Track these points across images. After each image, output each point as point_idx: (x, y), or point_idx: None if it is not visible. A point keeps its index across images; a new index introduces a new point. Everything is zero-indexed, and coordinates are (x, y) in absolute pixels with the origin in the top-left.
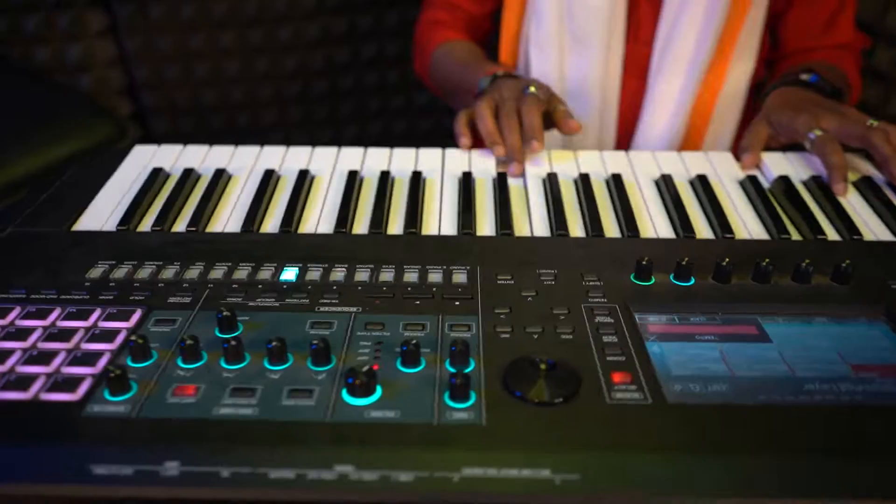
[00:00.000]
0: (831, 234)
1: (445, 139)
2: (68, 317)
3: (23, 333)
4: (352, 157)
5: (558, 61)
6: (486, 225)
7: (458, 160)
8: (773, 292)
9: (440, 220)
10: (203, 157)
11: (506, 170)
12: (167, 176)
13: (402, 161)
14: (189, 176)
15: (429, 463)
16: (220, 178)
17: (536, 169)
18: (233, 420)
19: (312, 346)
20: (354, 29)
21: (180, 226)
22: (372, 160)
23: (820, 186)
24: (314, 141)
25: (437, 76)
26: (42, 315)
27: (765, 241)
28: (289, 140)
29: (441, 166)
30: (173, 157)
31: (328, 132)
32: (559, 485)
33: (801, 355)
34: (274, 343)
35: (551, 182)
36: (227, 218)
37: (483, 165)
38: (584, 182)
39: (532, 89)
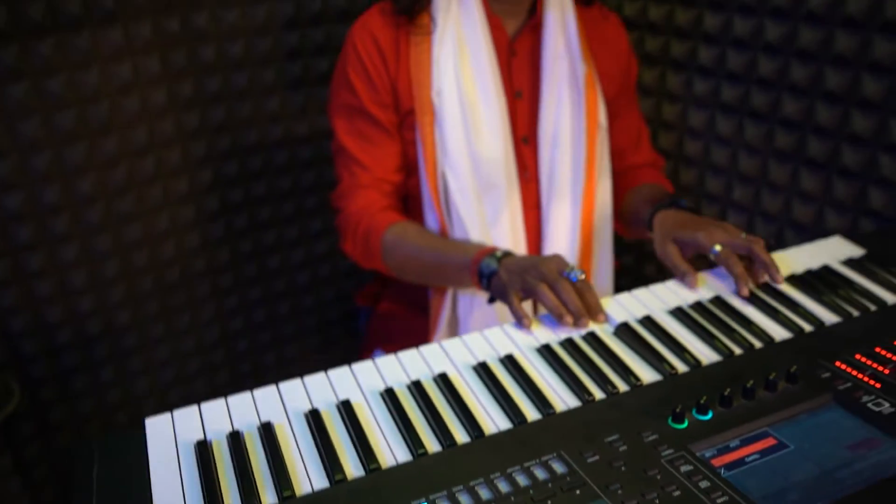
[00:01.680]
0: (757, 343)
1: None
2: None
3: None
4: (367, 373)
5: (477, 204)
6: (526, 408)
7: (460, 350)
8: (761, 406)
9: (489, 416)
10: (226, 414)
11: (573, 325)
12: (211, 445)
13: (412, 364)
14: (238, 440)
15: None
16: (270, 433)
17: (528, 340)
18: None
19: None
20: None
21: (269, 497)
22: (387, 370)
23: (718, 303)
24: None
25: (395, 258)
26: None
27: (719, 362)
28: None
29: (448, 361)
30: (196, 423)
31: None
32: None
33: (816, 451)
34: None
35: (549, 352)
36: (306, 473)
37: (465, 357)
38: (570, 344)
39: (578, 274)
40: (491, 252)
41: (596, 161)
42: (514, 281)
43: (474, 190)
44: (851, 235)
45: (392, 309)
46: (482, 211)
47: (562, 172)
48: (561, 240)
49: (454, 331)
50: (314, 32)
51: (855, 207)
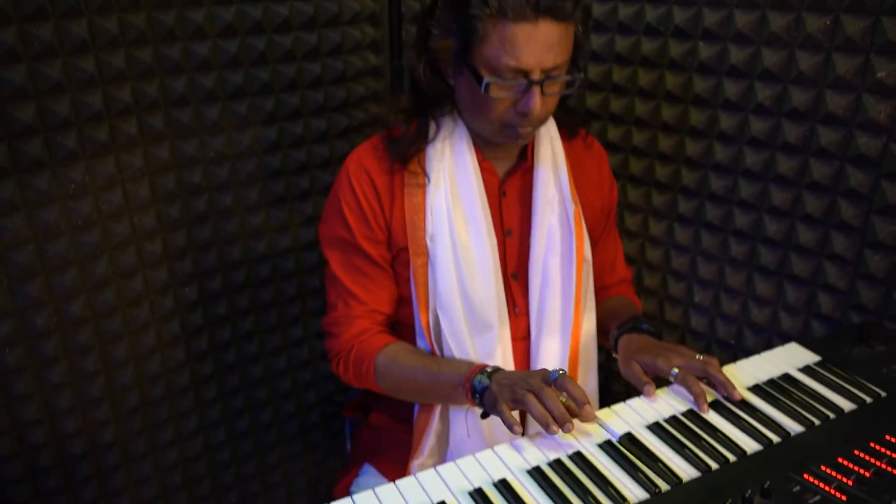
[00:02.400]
0: (731, 457)
1: None
2: None
3: None
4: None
5: (469, 341)
6: None
7: (456, 476)
8: None
9: None
10: None
11: (560, 432)
12: None
13: (410, 493)
14: None
15: None
16: None
17: (519, 461)
18: None
19: None
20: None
21: None
22: (387, 500)
23: (691, 415)
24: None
25: (389, 380)
26: None
27: (698, 478)
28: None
29: (445, 488)
30: None
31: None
32: None
33: None
34: None
35: (539, 474)
36: None
37: (461, 483)
38: (559, 465)
39: (561, 371)
40: (482, 369)
41: (582, 295)
42: (505, 393)
43: (467, 330)
44: (805, 340)
45: (379, 421)
46: (474, 346)
47: (551, 308)
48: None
49: (443, 443)
50: (296, 153)
51: (806, 311)
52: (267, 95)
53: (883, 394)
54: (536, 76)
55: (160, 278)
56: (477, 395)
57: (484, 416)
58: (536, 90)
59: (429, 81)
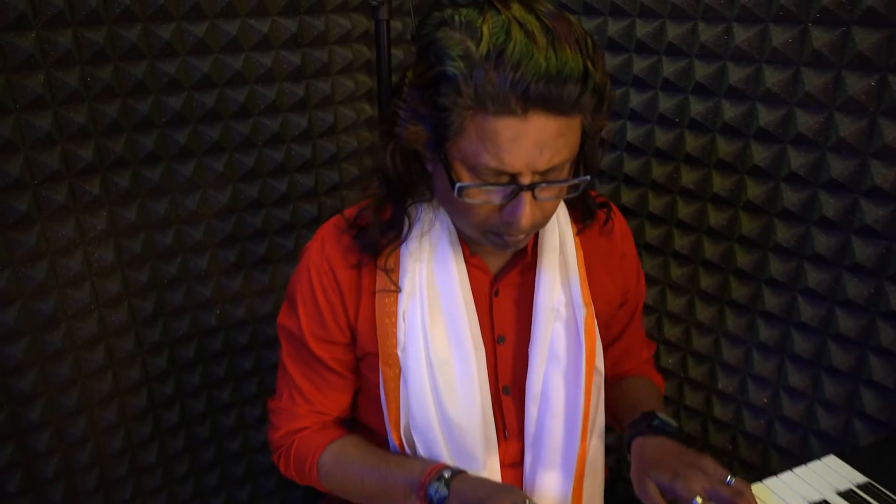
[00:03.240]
0: None
1: None
2: None
3: None
4: None
5: (447, 459)
6: None
7: None
8: None
9: None
10: None
11: None
12: None
13: None
14: None
15: None
16: None
17: None
18: None
19: None
20: None
21: None
22: None
23: None
24: None
25: (334, 482)
26: None
27: None
28: None
29: None
30: None
31: None
32: None
33: None
34: None
35: None
36: None
37: None
38: None
39: None
40: (439, 473)
41: (591, 416)
42: None
43: (447, 456)
44: (845, 454)
45: None
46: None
47: (552, 433)
48: None
49: None
50: (279, 212)
51: (848, 408)
52: (248, 150)
53: None
54: (526, 180)
55: (125, 347)
56: None
57: None
58: (526, 197)
59: (398, 170)
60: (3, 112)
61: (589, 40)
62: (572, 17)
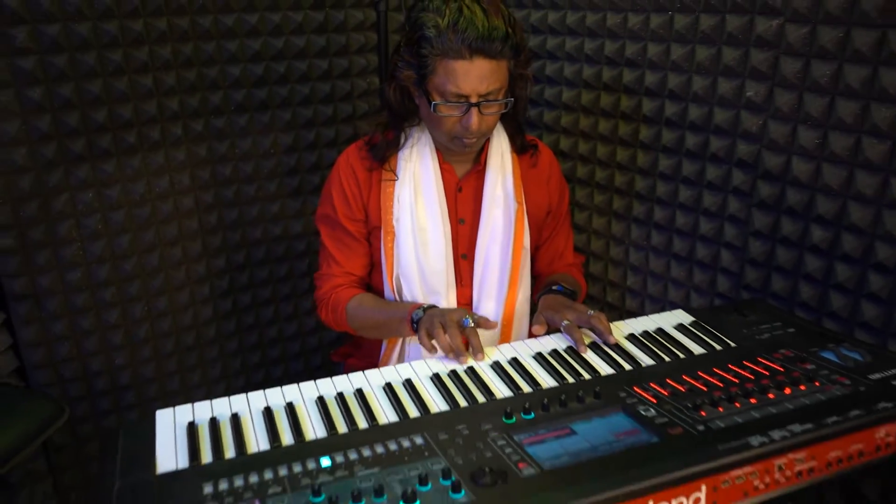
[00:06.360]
0: (586, 375)
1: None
2: None
3: None
4: (339, 382)
5: (423, 300)
6: (410, 408)
7: (376, 376)
8: (569, 412)
9: (385, 414)
10: (210, 409)
11: (458, 363)
12: (197, 426)
13: (356, 380)
14: (216, 423)
15: None
16: (237, 420)
17: (425, 370)
18: None
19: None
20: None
21: (230, 452)
22: (340, 384)
23: (571, 351)
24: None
25: (356, 321)
26: None
27: (555, 386)
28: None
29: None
30: (189, 413)
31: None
32: None
33: (593, 435)
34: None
35: (437, 378)
36: (256, 441)
37: (379, 380)
38: (454, 374)
39: (470, 321)
40: (420, 306)
41: (519, 274)
42: (426, 323)
43: (422, 295)
44: (689, 308)
45: (358, 364)
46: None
47: (490, 283)
48: (485, 334)
49: None
50: (308, 155)
51: (711, 291)
52: (286, 108)
53: (733, 344)
54: (474, 100)
55: (195, 248)
56: (415, 325)
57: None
58: (474, 111)
59: (397, 102)
60: (120, 74)
61: (510, 15)
62: (501, 4)
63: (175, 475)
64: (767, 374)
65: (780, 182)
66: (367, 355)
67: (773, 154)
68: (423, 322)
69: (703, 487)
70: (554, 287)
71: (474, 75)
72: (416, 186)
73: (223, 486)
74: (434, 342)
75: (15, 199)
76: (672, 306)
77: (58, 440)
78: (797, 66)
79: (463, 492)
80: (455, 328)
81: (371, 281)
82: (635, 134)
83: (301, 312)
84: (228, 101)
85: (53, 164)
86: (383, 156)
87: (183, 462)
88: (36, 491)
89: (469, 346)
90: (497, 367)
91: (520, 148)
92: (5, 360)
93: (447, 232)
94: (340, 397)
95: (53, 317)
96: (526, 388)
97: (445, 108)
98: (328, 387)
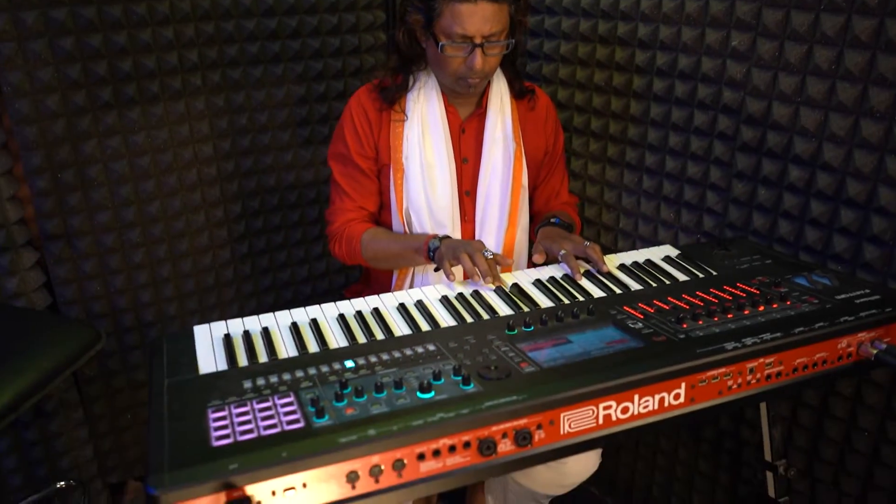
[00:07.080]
0: (580, 297)
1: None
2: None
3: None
4: (350, 304)
5: (431, 232)
6: (422, 323)
7: (393, 298)
8: (566, 326)
9: (399, 327)
10: (242, 325)
11: (481, 282)
12: (232, 338)
13: (374, 301)
14: (248, 335)
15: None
16: (268, 333)
17: (435, 294)
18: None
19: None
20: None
21: (262, 358)
22: (358, 304)
23: (567, 279)
24: None
25: (370, 251)
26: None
27: (552, 306)
28: None
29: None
30: (224, 328)
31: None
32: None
33: (586, 343)
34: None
35: (447, 301)
36: (286, 349)
37: (393, 302)
38: (462, 297)
39: (490, 253)
40: (435, 236)
41: (517, 211)
42: (448, 252)
43: (430, 227)
44: (677, 244)
45: None
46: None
47: (491, 219)
48: None
49: None
50: (319, 107)
51: (698, 229)
52: (298, 61)
53: (715, 273)
54: (478, 41)
55: (214, 194)
56: (431, 253)
57: (436, 269)
58: (478, 51)
59: (406, 46)
60: (143, 26)
61: None
62: None
63: (217, 375)
64: (744, 296)
65: (761, 126)
66: (379, 290)
67: (756, 100)
68: (444, 250)
69: (683, 385)
70: (552, 220)
71: (479, 17)
72: (424, 126)
73: (261, 381)
74: (456, 268)
75: (49, 143)
76: (646, 243)
77: (88, 372)
78: (779, 16)
79: (472, 384)
80: (481, 255)
81: (380, 218)
82: (628, 84)
83: (312, 257)
84: (244, 54)
85: (83, 110)
86: (393, 97)
87: (222, 365)
88: (69, 419)
89: None
90: (500, 290)
91: (518, 93)
92: (40, 296)
93: (452, 170)
94: (359, 315)
95: (84, 256)
96: (526, 308)
97: (451, 48)
98: (347, 307)
